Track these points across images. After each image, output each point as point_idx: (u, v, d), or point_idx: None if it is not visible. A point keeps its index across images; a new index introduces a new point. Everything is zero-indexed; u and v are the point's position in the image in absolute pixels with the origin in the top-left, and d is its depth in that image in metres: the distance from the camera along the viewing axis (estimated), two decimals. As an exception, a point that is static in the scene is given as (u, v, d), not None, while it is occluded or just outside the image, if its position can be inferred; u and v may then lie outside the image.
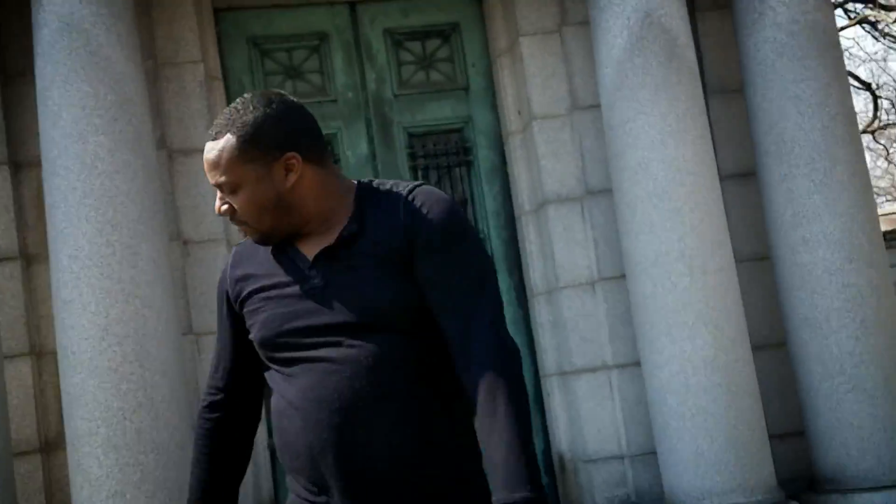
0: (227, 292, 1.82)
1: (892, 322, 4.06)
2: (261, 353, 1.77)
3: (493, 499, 1.55)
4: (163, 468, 3.46)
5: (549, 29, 4.67)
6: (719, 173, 4.13)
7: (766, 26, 4.15)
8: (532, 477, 1.54)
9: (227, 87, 4.64)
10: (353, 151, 4.80)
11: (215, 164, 1.67)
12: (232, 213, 1.70)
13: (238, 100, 1.71)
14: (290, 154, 1.66)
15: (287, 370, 1.71)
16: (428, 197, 1.73)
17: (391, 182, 1.79)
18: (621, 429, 4.46)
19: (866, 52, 34.60)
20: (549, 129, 4.62)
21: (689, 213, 3.89)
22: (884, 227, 5.12)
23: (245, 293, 1.77)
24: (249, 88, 4.71)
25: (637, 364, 4.38)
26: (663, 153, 3.91)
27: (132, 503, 3.41)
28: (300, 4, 4.80)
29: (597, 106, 4.49)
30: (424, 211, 1.70)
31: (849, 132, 4.09)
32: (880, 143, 19.32)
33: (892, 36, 23.85)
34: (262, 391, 1.87)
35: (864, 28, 21.67)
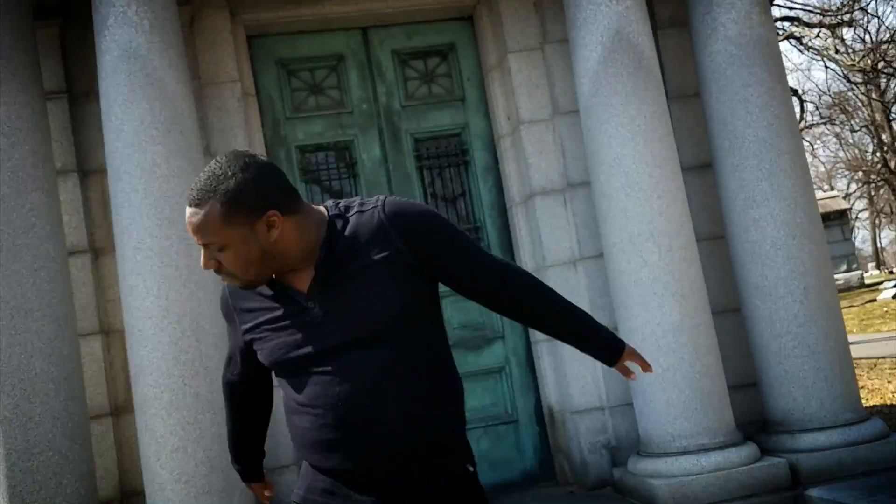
0: (231, 314, 1.76)
1: (829, 289, 4.09)
2: (272, 368, 1.74)
3: (590, 344, 1.77)
4: (217, 425, 3.49)
5: (532, 46, 4.70)
6: (681, 166, 4.15)
7: (717, 40, 4.17)
8: (594, 321, 1.80)
9: (259, 103, 4.68)
10: (368, 155, 4.83)
11: (201, 229, 1.57)
12: (219, 267, 1.62)
13: (214, 164, 1.60)
14: (271, 212, 1.58)
15: (295, 380, 1.67)
16: (398, 205, 1.68)
17: (355, 200, 1.71)
18: (601, 384, 4.50)
19: (793, 63, 34.74)
20: (535, 132, 4.65)
21: (656, 200, 3.92)
22: (820, 209, 5.13)
23: (250, 325, 1.71)
24: (279, 103, 4.74)
25: (615, 330, 4.42)
26: (634, 150, 3.93)
27: (192, 456, 3.46)
28: (320, 30, 4.82)
29: (575, 111, 4.52)
30: (410, 218, 1.65)
31: (790, 128, 4.10)
32: (806, 140, 19.40)
33: (815, 49, 23.90)
34: (268, 390, 1.94)
35: (790, 42, 21.73)
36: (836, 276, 18.63)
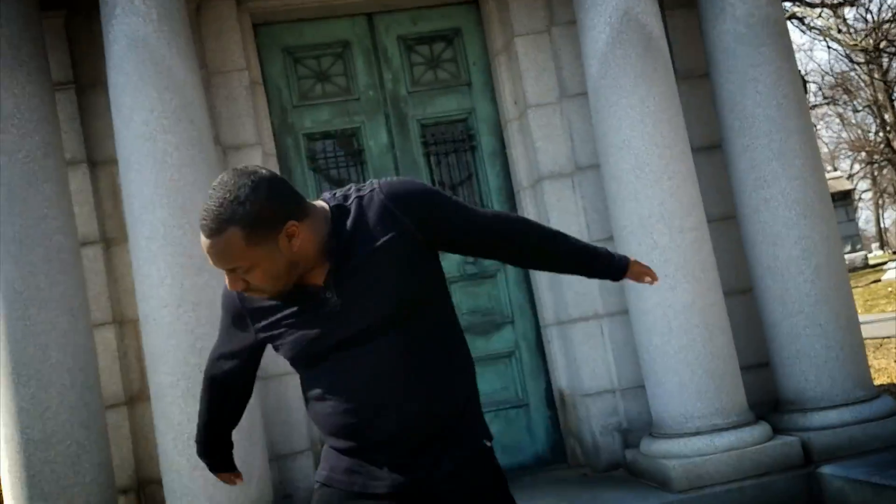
0: (241, 314, 1.76)
1: (840, 267, 4.10)
2: (291, 362, 1.76)
3: (611, 272, 1.89)
4: (234, 413, 3.52)
5: (539, 29, 4.69)
6: (690, 147, 4.15)
7: (726, 20, 4.16)
8: (593, 247, 1.91)
9: (266, 91, 4.68)
10: (375, 142, 4.84)
11: (225, 256, 1.56)
12: (246, 287, 1.62)
13: (221, 189, 1.57)
14: (290, 223, 1.59)
15: (315, 370, 1.70)
16: (400, 184, 1.71)
17: (351, 188, 1.73)
18: (612, 367, 4.52)
19: (796, 44, 34.59)
20: (542, 115, 4.65)
21: (667, 181, 3.92)
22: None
23: (267, 322, 1.71)
24: (285, 91, 4.74)
25: (624, 312, 4.44)
26: (643, 131, 3.92)
27: (210, 443, 3.48)
28: (326, 17, 4.81)
29: (583, 94, 4.53)
30: (409, 196, 1.68)
31: (799, 107, 4.10)
32: (812, 121, 19.36)
33: (817, 29, 23.81)
34: (253, 384, 1.98)
35: (793, 23, 21.66)
36: (841, 258, 18.58)
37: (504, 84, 4.82)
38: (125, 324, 4.15)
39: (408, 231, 1.65)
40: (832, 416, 3.90)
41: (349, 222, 1.65)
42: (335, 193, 1.72)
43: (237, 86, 4.36)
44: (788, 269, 4.03)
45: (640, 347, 4.10)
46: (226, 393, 1.93)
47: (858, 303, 15.27)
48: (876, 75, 29.81)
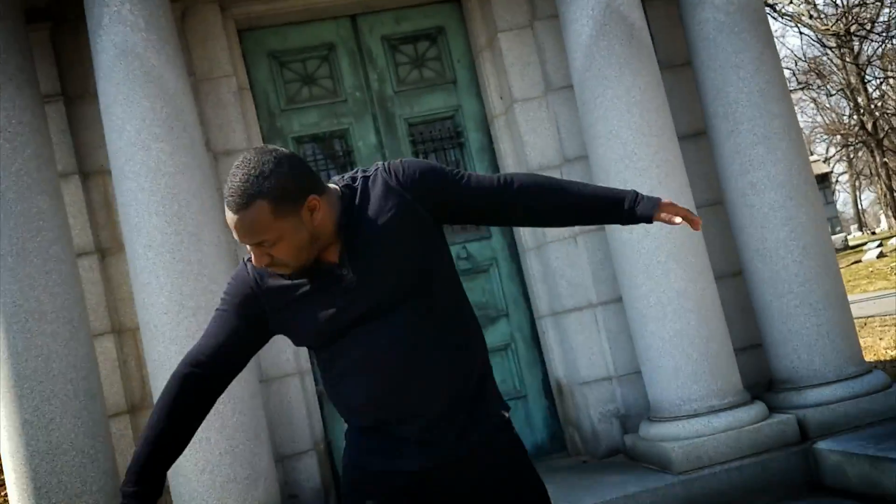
0: (254, 296, 1.75)
1: (827, 247, 4.16)
2: (308, 343, 1.78)
3: (626, 205, 1.78)
4: (238, 414, 3.55)
5: (522, 24, 4.72)
6: (676, 135, 4.19)
7: (706, 9, 4.21)
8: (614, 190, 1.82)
9: (254, 96, 4.69)
10: (364, 142, 4.86)
11: (253, 229, 1.61)
12: (271, 261, 1.67)
13: (244, 166, 1.62)
14: (311, 197, 1.65)
15: (334, 349, 1.73)
16: (400, 164, 1.77)
17: (357, 171, 1.80)
18: (608, 355, 4.56)
19: (770, 30, 34.79)
20: (529, 109, 4.68)
21: (655, 169, 3.96)
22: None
23: (283, 302, 1.73)
24: (273, 95, 4.75)
25: (617, 301, 4.49)
26: (630, 121, 3.97)
27: (216, 446, 3.50)
28: (309, 20, 4.83)
29: (568, 87, 4.58)
30: (415, 172, 1.74)
31: (781, 92, 4.16)
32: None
33: (789, 15, 24.04)
34: (235, 376, 1.81)
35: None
36: (821, 240, 18.77)
37: (489, 80, 4.85)
38: (124, 333, 4.15)
39: (410, 206, 1.72)
40: (826, 393, 3.95)
41: (357, 201, 1.72)
42: (343, 176, 1.79)
43: (225, 92, 4.37)
44: (777, 250, 4.08)
45: (635, 334, 4.14)
46: (194, 397, 1.76)
47: (841, 283, 15.43)
48: (848, 59, 30.11)
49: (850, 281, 16.16)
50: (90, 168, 4.19)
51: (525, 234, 4.81)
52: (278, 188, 1.60)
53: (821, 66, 33.05)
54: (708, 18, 4.20)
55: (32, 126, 3.65)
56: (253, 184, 1.59)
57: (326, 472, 4.37)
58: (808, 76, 33.49)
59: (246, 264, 1.78)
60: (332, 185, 1.76)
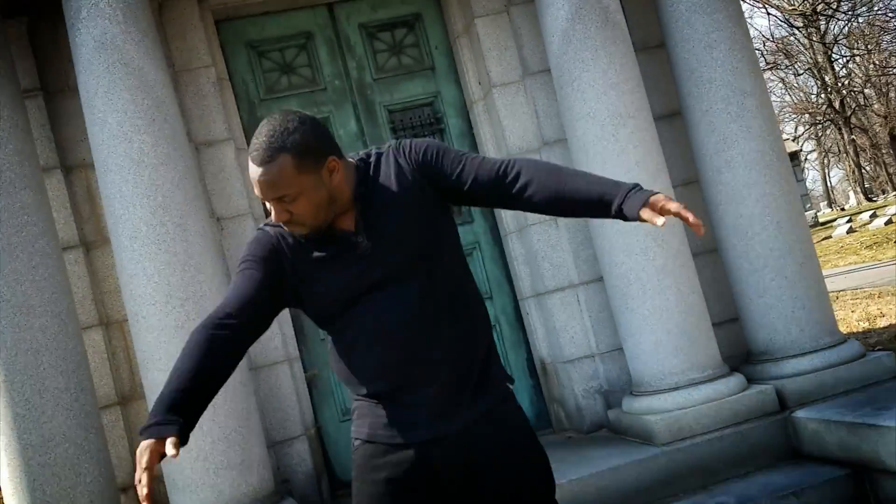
0: (277, 251, 1.78)
1: (800, 221, 4.22)
2: (322, 312, 1.82)
3: (615, 204, 1.68)
4: (230, 402, 3.56)
5: (498, 10, 4.73)
6: (652, 115, 4.23)
7: (678, -10, 4.25)
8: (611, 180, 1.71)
9: (234, 86, 4.67)
10: (345, 130, 4.86)
11: (276, 182, 1.66)
12: (289, 218, 1.72)
13: (268, 124, 1.69)
14: (331, 158, 1.72)
15: (348, 316, 1.78)
16: (408, 141, 1.86)
17: (371, 149, 1.89)
18: (590, 333, 4.62)
19: (739, 12, 35.00)
20: (507, 94, 4.70)
21: (632, 150, 4.00)
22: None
23: (302, 266, 1.78)
24: (252, 85, 4.74)
25: (598, 280, 4.55)
26: (607, 103, 4.00)
27: (208, 433, 3.51)
28: (286, 10, 4.81)
29: (545, 71, 4.60)
30: (419, 147, 1.82)
31: (753, 70, 4.20)
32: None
33: (758, -4, 24.19)
34: (257, 337, 1.81)
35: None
36: (793, 217, 19.00)
37: (467, 66, 4.86)
38: (111, 325, 4.14)
39: (417, 182, 1.79)
40: (803, 363, 4.03)
41: (371, 173, 1.79)
42: (359, 153, 1.87)
43: (205, 83, 4.34)
44: (752, 225, 4.14)
45: (616, 312, 4.19)
46: (224, 344, 1.73)
47: (813, 259, 15.65)
48: (815, 38, 30.38)
49: (820, 256, 16.39)
50: (72, 162, 4.16)
51: (507, 218, 4.84)
52: (302, 144, 1.66)
53: (788, 46, 33.33)
54: (681, -1, 4.23)
55: (12, 122, 3.61)
56: (278, 139, 1.66)
57: (318, 456, 4.40)
58: (776, 56, 33.76)
59: (265, 228, 1.83)
60: (349, 159, 1.84)
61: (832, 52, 31.85)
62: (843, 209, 32.67)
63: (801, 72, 34.85)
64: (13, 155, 3.59)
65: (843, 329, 7.42)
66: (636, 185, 1.70)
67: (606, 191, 1.71)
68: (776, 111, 38.15)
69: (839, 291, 11.12)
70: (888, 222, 17.98)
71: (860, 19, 28.64)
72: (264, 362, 4.24)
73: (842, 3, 24.88)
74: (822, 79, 32.62)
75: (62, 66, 4.08)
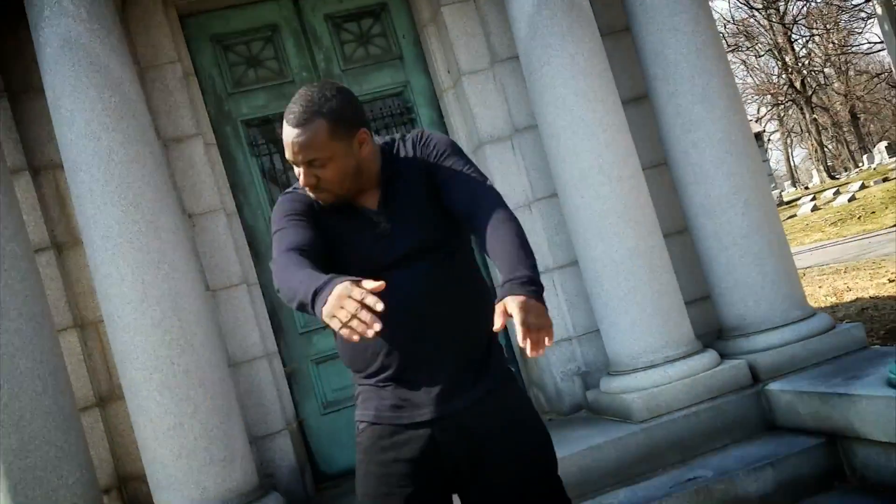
0: (311, 204, 1.86)
1: (767, 199, 4.30)
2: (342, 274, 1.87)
3: (502, 280, 1.66)
4: (210, 398, 3.56)
5: (464, -3, 4.75)
6: (620, 99, 4.27)
7: (641, -27, 4.28)
8: (531, 263, 1.66)
9: (200, 81, 4.64)
10: (315, 122, 4.83)
11: (309, 144, 1.74)
12: (316, 183, 1.80)
13: (307, 92, 1.79)
14: (362, 129, 1.81)
15: None
16: (426, 133, 1.96)
17: (396, 136, 1.97)
18: (567, 316, 4.68)
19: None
20: (476, 82, 4.72)
21: (602, 134, 4.05)
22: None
23: (329, 225, 1.87)
24: (219, 80, 4.71)
25: (573, 264, 4.60)
26: (576, 88, 4.04)
27: (190, 431, 3.51)
28: (250, 2, 4.77)
29: (513, 58, 4.63)
30: (429, 141, 1.91)
31: (717, 52, 4.26)
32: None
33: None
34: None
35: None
36: (758, 196, 19.30)
37: (435, 54, 4.87)
38: (86, 326, 4.10)
39: (426, 171, 1.87)
40: (774, 337, 4.11)
41: (395, 158, 1.88)
42: (384, 137, 1.96)
43: (171, 78, 4.31)
44: (720, 205, 4.20)
45: (592, 294, 4.25)
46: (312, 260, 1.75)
47: (779, 237, 15.93)
48: (774, 19, 30.73)
49: (787, 234, 16.68)
50: (39, 163, 4.11)
51: (479, 205, 4.86)
52: (337, 111, 1.75)
53: (749, 28, 33.72)
54: (644, -17, 4.27)
55: (-22, 123, 3.56)
56: (316, 103, 1.75)
57: (300, 450, 4.40)
58: (736, 38, 34.14)
59: (295, 189, 1.90)
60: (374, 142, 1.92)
61: (792, 33, 32.28)
62: (807, 188, 33.21)
63: (762, 53, 35.30)
64: (-21, 157, 3.53)
65: (812, 304, 7.58)
66: (522, 278, 1.63)
67: (503, 267, 1.70)
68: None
69: (806, 268, 11.34)
70: (851, 199, 18.33)
71: (818, 0, 29.06)
72: (243, 358, 4.24)
73: (800, -16, 25.22)
74: (783, 59, 33.06)
75: (26, 66, 4.02)
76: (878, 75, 36.45)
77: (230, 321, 4.24)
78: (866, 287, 8.06)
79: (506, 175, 4.68)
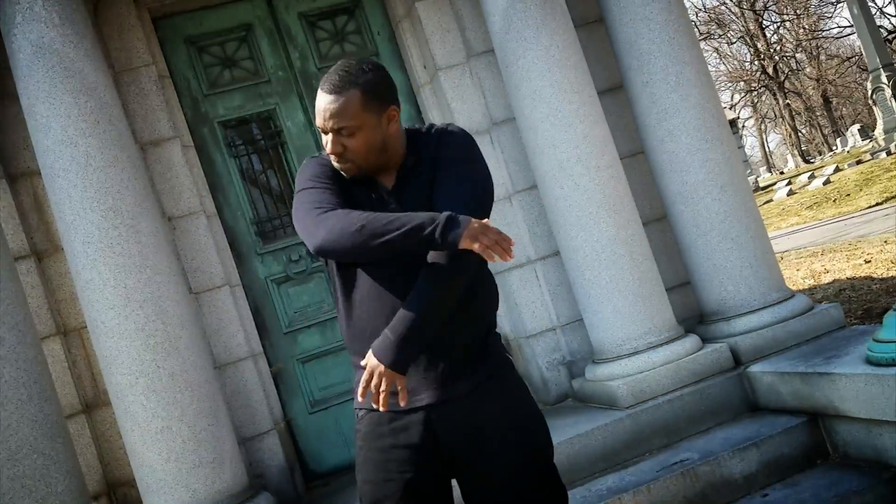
0: (338, 174, 1.91)
1: (743, 184, 4.35)
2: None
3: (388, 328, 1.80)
4: (197, 401, 3.56)
5: (438, -8, 4.76)
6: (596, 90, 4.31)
7: (613, -35, 4.32)
8: (407, 324, 1.77)
9: (175, 84, 4.62)
10: (293, 122, 4.85)
11: (340, 113, 1.80)
12: (342, 152, 1.84)
13: (345, 63, 1.87)
14: (392, 106, 1.88)
15: (365, 271, 1.86)
16: (450, 129, 1.99)
17: (423, 126, 2.02)
18: (551, 307, 4.71)
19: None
20: (453, 76, 4.74)
21: (579, 125, 4.08)
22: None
23: (349, 195, 1.91)
24: (194, 81, 4.69)
25: (555, 254, 4.64)
26: (552, 80, 4.07)
27: (178, 434, 3.51)
28: (223, 3, 4.76)
29: (489, 51, 4.66)
30: (448, 139, 1.95)
31: (690, 40, 4.30)
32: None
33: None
34: None
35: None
36: (735, 183, 19.48)
37: (411, 50, 4.88)
38: (70, 333, 4.08)
39: (434, 167, 1.92)
40: (754, 320, 4.17)
41: (420, 145, 1.93)
42: (411, 126, 2.02)
43: (146, 81, 4.29)
44: (697, 191, 4.25)
45: (574, 284, 4.29)
46: None
47: (756, 222, 16.11)
48: (745, 6, 30.98)
49: (763, 219, 16.85)
50: (16, 170, 4.08)
51: (459, 199, 4.88)
52: (372, 83, 1.82)
53: (720, 16, 33.98)
54: (615, -26, 4.31)
55: (-48, 132, 3.53)
56: (353, 73, 1.82)
57: (289, 450, 4.41)
58: (708, 26, 34.38)
59: (321, 155, 1.98)
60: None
61: (763, 19, 32.56)
62: (782, 173, 33.56)
63: (734, 40, 35.59)
64: (-46, 167, 3.51)
65: (791, 287, 7.68)
66: (390, 335, 1.80)
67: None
68: (712, 80, 38.91)
69: (784, 252, 11.48)
70: (826, 182, 18.55)
71: (787, -14, 29.35)
72: (228, 360, 4.24)
73: (769, -29, 25.45)
74: (755, 46, 33.36)
75: (-1, 72, 3.99)
76: (848, 59, 36.90)
77: (214, 323, 4.23)
78: (843, 268, 8.18)
79: (485, 168, 4.69)
